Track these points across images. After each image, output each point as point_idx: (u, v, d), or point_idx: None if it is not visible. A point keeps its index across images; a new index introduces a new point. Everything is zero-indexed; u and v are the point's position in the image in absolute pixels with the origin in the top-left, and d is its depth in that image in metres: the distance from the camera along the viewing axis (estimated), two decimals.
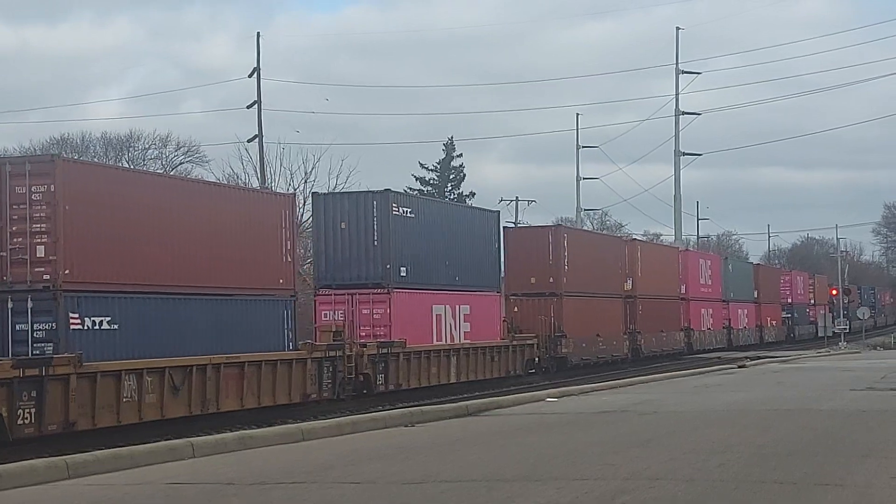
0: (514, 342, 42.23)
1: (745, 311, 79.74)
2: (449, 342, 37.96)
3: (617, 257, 54.36)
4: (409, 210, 35.95)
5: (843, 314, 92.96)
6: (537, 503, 10.40)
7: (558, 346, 46.49)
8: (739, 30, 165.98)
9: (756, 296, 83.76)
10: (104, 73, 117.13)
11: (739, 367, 40.89)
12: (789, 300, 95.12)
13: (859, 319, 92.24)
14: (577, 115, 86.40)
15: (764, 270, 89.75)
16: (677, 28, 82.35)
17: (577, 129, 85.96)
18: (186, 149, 71.20)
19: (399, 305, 35.13)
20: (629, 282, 56.96)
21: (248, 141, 61.90)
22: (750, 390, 26.68)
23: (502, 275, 46.85)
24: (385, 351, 33.83)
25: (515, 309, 47.43)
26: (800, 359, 51.62)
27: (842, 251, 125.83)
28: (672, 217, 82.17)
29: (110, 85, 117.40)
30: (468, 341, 39.11)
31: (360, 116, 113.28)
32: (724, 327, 73.87)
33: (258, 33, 62.81)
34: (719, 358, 58.00)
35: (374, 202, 35.13)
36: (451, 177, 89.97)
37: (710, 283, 70.93)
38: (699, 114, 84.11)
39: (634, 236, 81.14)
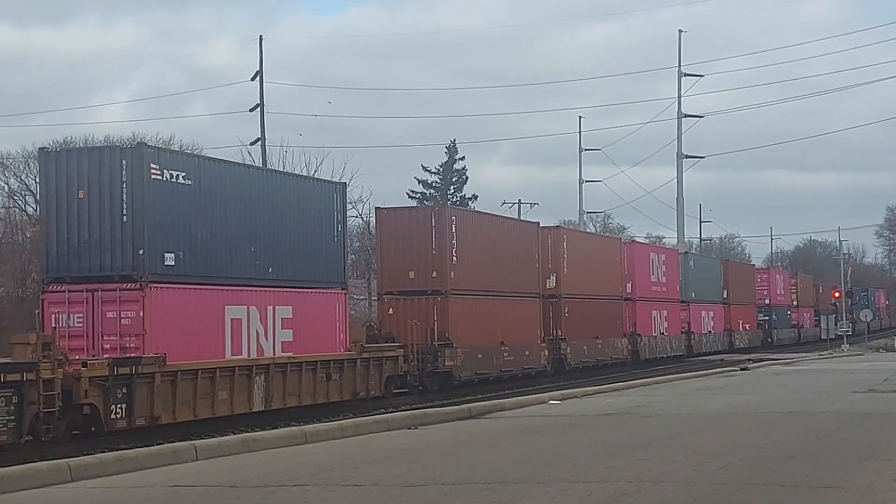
0: (366, 355, 31.80)
1: (711, 313, 69.88)
2: (256, 356, 27.67)
3: (532, 248, 44.13)
4: (181, 174, 25.77)
5: (847, 316, 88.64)
6: None
7: (440, 357, 36.09)
8: (744, 32, 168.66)
9: (725, 296, 73.66)
10: (109, 75, 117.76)
11: (742, 369, 41.34)
12: (767, 301, 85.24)
13: (861, 321, 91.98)
14: (580, 117, 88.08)
15: (735, 268, 79.72)
16: (679, 31, 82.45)
17: (580, 132, 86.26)
18: (197, 150, 67.78)
19: (160, 306, 25.11)
20: (552, 278, 46.69)
21: (251, 144, 62.36)
22: (752, 393, 27.15)
23: (375, 267, 36.38)
24: (127, 371, 23.55)
25: (390, 311, 37.25)
26: (802, 361, 52.07)
27: (844, 254, 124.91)
28: (675, 220, 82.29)
29: (115, 87, 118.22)
30: (289, 354, 28.81)
31: (363, 119, 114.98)
32: (682, 332, 63.60)
33: (260, 37, 61.79)
34: (721, 360, 58.44)
35: (123, 161, 25.06)
36: (453, 179, 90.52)
37: (664, 280, 60.97)
38: (701, 116, 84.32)
39: (638, 238, 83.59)
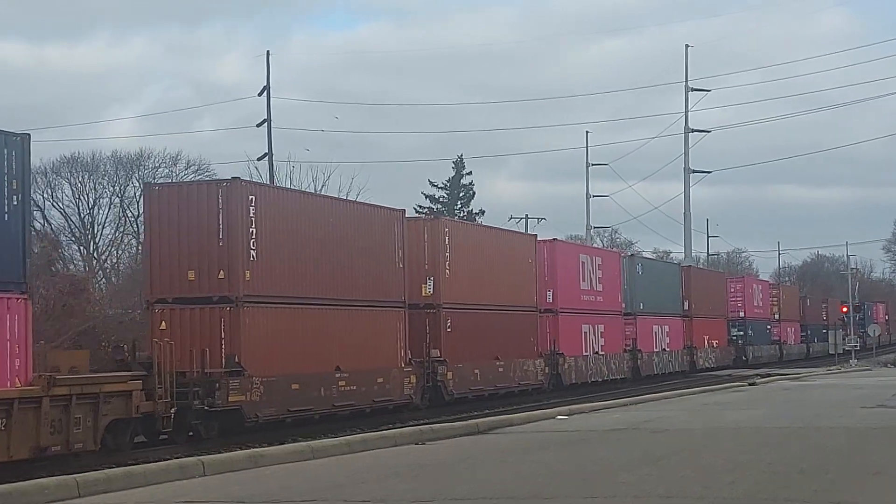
0: (63, 390, 21.03)
1: (666, 327, 59.38)
2: None
3: (394, 244, 33.31)
4: None
5: (855, 331, 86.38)
6: None
7: (219, 391, 25.41)
8: (753, 46, 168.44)
9: (686, 307, 62.78)
10: (120, 90, 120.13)
11: (749, 384, 42.29)
12: (741, 314, 74.69)
13: (869, 336, 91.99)
14: (587, 132, 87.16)
15: (700, 275, 69.28)
16: (686, 46, 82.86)
17: (587, 147, 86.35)
18: (196, 167, 68.12)
19: None
20: (429, 284, 35.99)
21: (258, 159, 60.99)
22: (760, 408, 27.44)
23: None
24: None
25: (163, 326, 26.41)
26: (810, 376, 52.50)
27: (852, 268, 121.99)
28: (682, 235, 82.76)
29: (126, 103, 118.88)
30: None
31: (370, 134, 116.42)
32: (626, 350, 52.70)
33: (267, 52, 61.85)
34: (730, 376, 57.68)
35: None
36: (460, 195, 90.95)
37: (600, 288, 50.11)
38: (708, 131, 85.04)
39: (646, 253, 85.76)
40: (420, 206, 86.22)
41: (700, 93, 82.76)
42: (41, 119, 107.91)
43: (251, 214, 28.18)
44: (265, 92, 61.47)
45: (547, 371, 44.79)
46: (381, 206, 34.34)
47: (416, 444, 18.89)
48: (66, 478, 13.59)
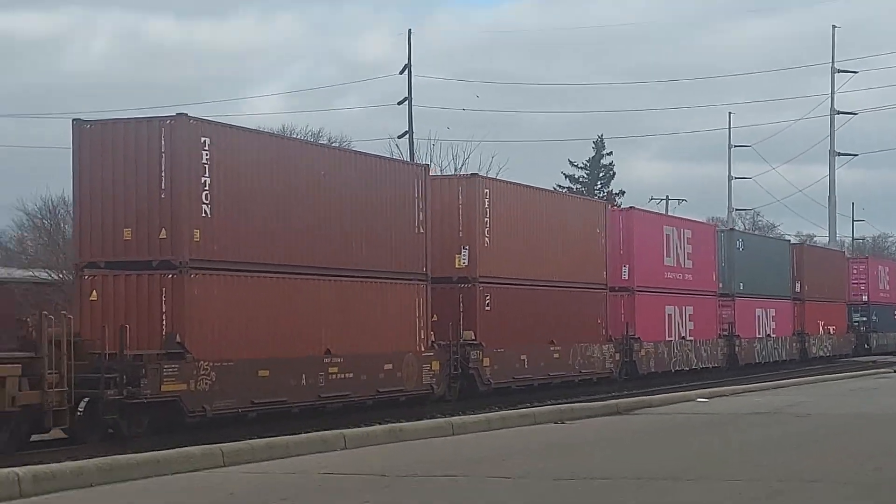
0: None
1: (772, 311, 52.72)
2: None
3: (408, 202, 28.02)
4: None
5: None
6: (690, 501, 10.64)
7: (146, 377, 20.10)
8: None
9: (798, 290, 55.80)
10: (266, 68, 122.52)
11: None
12: (864, 298, 67.26)
13: None
14: (730, 113, 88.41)
15: (814, 254, 62.30)
16: (833, 26, 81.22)
17: (730, 128, 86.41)
18: (337, 144, 66.35)
19: None
20: (463, 254, 30.24)
21: (399, 137, 62.50)
22: None
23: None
24: None
25: (93, 295, 21.45)
26: None
27: None
28: (826, 218, 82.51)
29: (271, 81, 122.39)
30: None
31: (511, 113, 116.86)
32: (722, 335, 46.26)
33: (409, 30, 62.12)
34: (874, 362, 54.47)
35: None
36: (600, 175, 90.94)
37: (690, 265, 43.82)
38: (855, 113, 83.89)
39: (788, 236, 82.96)
40: (559, 186, 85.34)
41: (846, 74, 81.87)
42: (187, 95, 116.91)
43: (204, 160, 22.78)
44: (406, 70, 62.25)
45: (618, 358, 38.71)
46: (394, 159, 28.92)
47: (555, 423, 18.85)
48: (211, 447, 13.76)
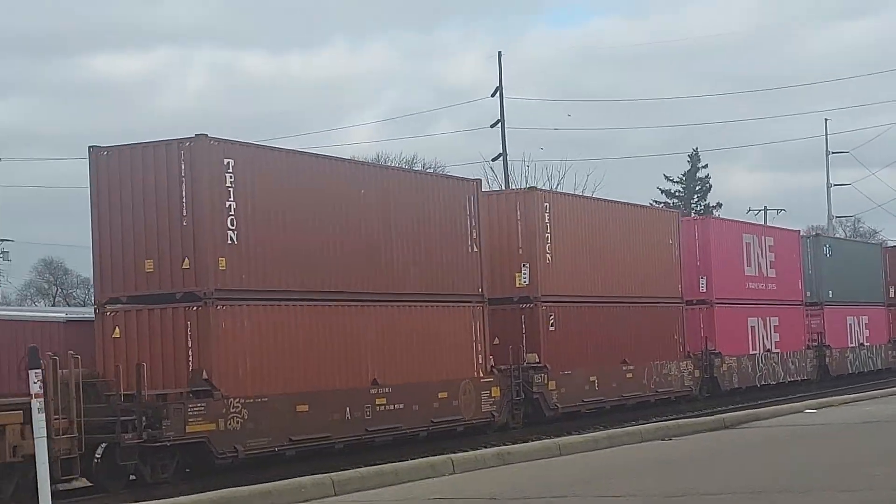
0: None
1: (865, 318, 50.15)
2: None
3: (460, 220, 27.04)
4: None
5: None
6: None
7: (168, 419, 18.96)
8: None
9: (893, 295, 53.55)
10: (358, 97, 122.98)
11: None
12: None
13: None
14: (826, 120, 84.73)
15: None
16: None
17: (826, 135, 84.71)
18: (433, 169, 68.37)
19: None
20: (523, 272, 28.70)
21: (493, 160, 62.97)
22: None
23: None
24: None
25: (116, 332, 21.02)
26: None
27: None
28: None
29: (365, 109, 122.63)
30: None
31: (604, 130, 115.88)
32: (811, 346, 43.94)
33: (499, 52, 62.59)
34: None
35: None
36: (696, 188, 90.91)
37: (773, 274, 41.71)
38: None
39: (891, 242, 74.65)
40: (656, 201, 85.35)
41: None
42: (282, 128, 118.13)
43: (228, 183, 21.34)
44: (498, 92, 62.08)
45: (697, 375, 36.65)
46: (442, 175, 27.13)
47: (662, 439, 18.76)
48: (321, 476, 13.88)
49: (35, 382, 13.97)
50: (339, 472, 14.32)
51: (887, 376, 50.86)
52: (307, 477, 13.98)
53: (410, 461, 16.39)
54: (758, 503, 11.15)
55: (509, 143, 62.44)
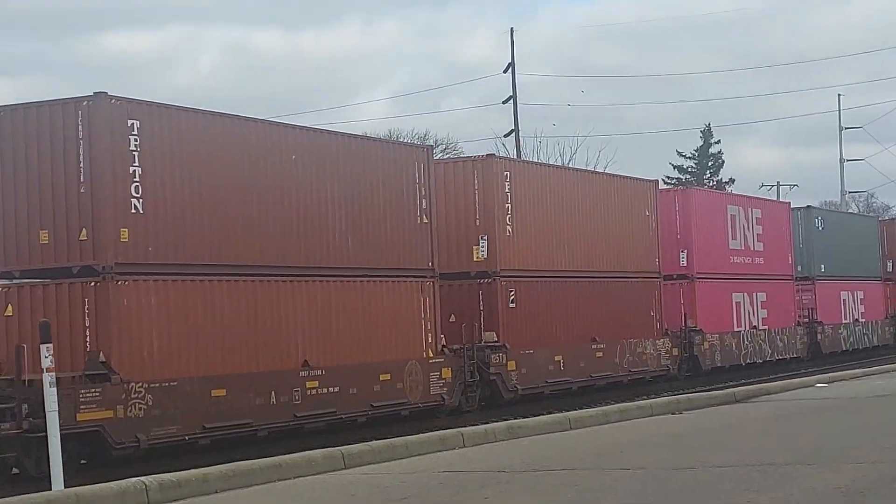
0: None
1: (860, 293, 48.34)
2: None
3: (408, 188, 25.07)
4: None
5: None
6: (812, 486, 10.37)
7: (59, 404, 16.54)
8: None
9: (889, 269, 51.41)
10: (371, 74, 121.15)
11: None
12: None
13: None
14: (839, 95, 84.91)
15: None
16: None
17: (840, 110, 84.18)
18: (444, 146, 69.72)
19: None
20: (481, 245, 26.74)
21: (505, 136, 63.39)
22: None
23: None
24: None
25: (8, 310, 18.74)
26: None
27: None
28: None
29: (378, 86, 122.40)
30: None
31: (616, 107, 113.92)
32: (802, 322, 41.98)
33: (511, 29, 62.23)
34: None
35: None
36: (709, 164, 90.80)
37: (760, 247, 39.67)
38: None
39: None
40: (668, 178, 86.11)
41: None
42: (295, 105, 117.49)
43: (132, 147, 19.37)
44: (510, 69, 61.89)
45: (676, 353, 34.68)
46: (388, 140, 25.33)
47: (673, 413, 18.90)
48: (332, 450, 13.96)
49: (46, 357, 13.91)
50: (349, 446, 14.51)
51: (884, 353, 48.96)
52: (318, 450, 14.13)
53: (420, 435, 16.54)
54: (769, 475, 11.08)
55: (522, 119, 62.51)
